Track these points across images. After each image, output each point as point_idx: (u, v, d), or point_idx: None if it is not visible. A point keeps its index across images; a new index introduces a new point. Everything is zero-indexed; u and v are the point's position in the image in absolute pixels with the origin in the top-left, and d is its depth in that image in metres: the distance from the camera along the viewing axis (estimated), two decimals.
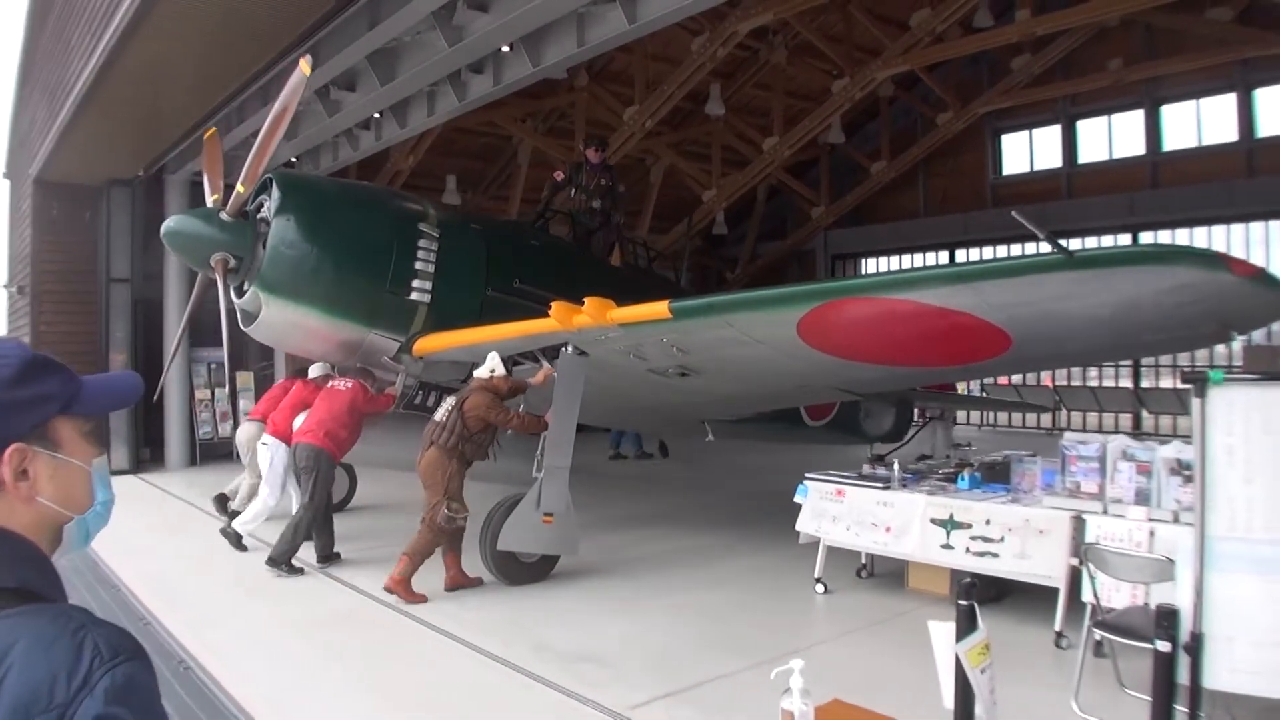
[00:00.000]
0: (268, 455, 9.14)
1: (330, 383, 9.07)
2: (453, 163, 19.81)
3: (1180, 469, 5.48)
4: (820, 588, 7.41)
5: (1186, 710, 3.47)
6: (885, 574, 7.78)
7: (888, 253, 25.03)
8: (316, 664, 6.00)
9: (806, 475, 7.73)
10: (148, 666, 1.32)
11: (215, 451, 16.22)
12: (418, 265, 8.59)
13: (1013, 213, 5.36)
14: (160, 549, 9.59)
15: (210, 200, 8.40)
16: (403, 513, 10.46)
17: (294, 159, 15.20)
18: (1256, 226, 18.68)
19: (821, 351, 6.89)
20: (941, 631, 3.42)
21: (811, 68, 19.42)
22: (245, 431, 10.64)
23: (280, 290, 8.11)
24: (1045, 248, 5.14)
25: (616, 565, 8.55)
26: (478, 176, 21.40)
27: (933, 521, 6.67)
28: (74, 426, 1.48)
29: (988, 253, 22.79)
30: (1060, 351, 8.31)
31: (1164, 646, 3.22)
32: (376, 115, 12.66)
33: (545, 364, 8.01)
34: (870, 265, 25.63)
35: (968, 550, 6.43)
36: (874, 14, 18.04)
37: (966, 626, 3.37)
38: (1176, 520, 5.37)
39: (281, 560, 8.19)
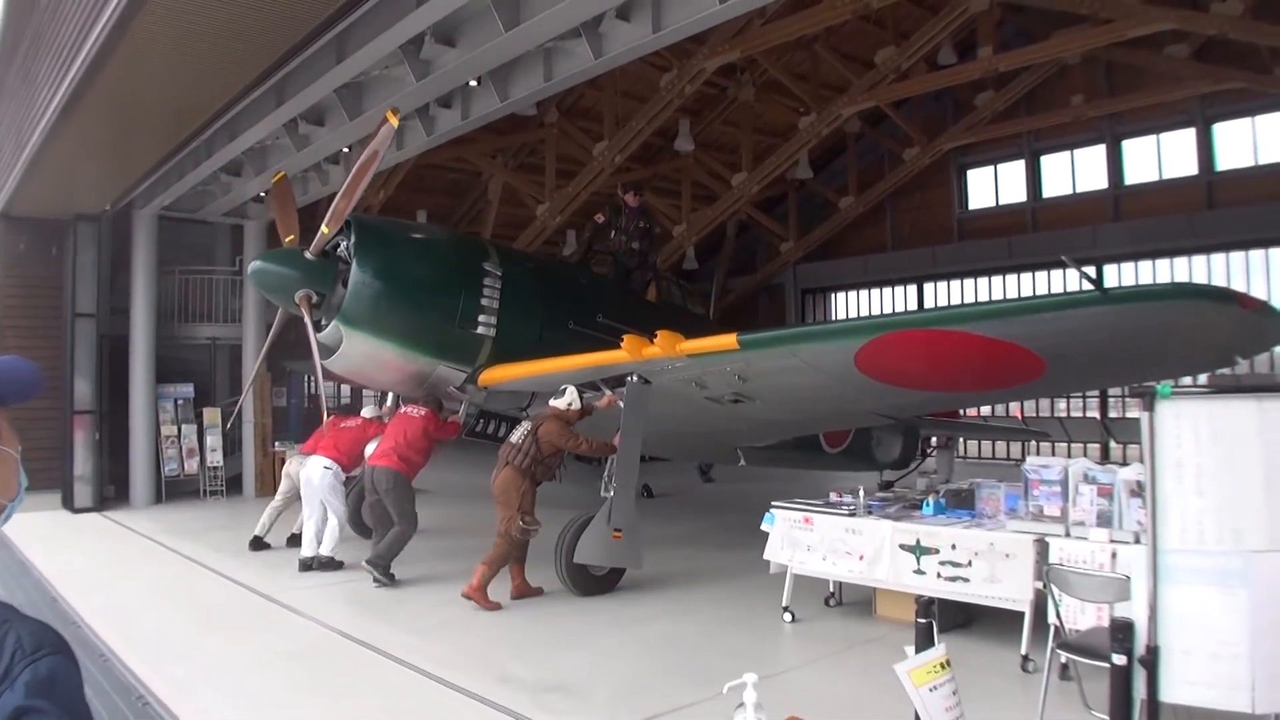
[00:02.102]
0: (329, 478, 9.74)
1: (402, 409, 9.55)
2: (423, 198, 19.87)
3: (1140, 490, 5.51)
4: (788, 616, 7.39)
5: None
6: (854, 602, 7.77)
7: (857, 287, 25.24)
8: (279, 698, 5.91)
9: (773, 504, 7.73)
10: (72, 662, 1.31)
11: (181, 489, 16.04)
12: (483, 302, 9.19)
13: (1062, 257, 5.95)
14: (122, 586, 9.48)
15: (286, 241, 9.05)
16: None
17: (263, 194, 15.19)
18: (1218, 258, 18.97)
19: (874, 379, 7.43)
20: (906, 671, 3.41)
21: (779, 104, 19.66)
22: (294, 465, 11.02)
23: (360, 325, 8.67)
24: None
25: (581, 596, 8.51)
26: (448, 212, 21.45)
27: (901, 547, 6.68)
28: (4, 417, 1.49)
29: (955, 286, 23.06)
30: (1087, 375, 8.99)
31: (1120, 660, 3.24)
32: (345, 149, 12.67)
33: (608, 391, 8.57)
34: (840, 299, 25.84)
35: (939, 575, 6.44)
36: (840, 52, 18.31)
37: (924, 644, 3.37)
38: (1138, 541, 5.39)
39: (379, 565, 8.79)
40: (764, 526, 7.66)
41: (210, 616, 8.07)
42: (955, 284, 23.15)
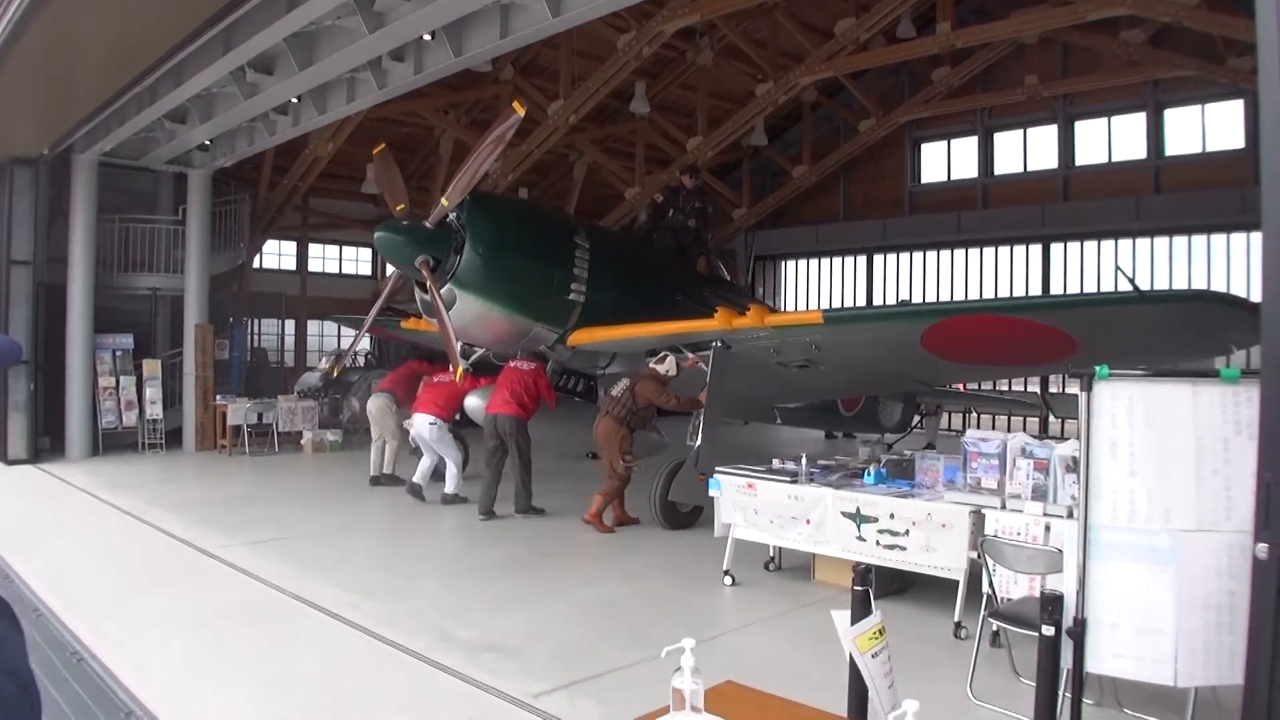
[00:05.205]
0: (435, 432, 11.13)
1: (510, 364, 10.80)
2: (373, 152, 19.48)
3: (1075, 466, 5.62)
4: (728, 580, 7.47)
5: (1072, 695, 3.57)
6: (793, 567, 7.87)
7: (808, 255, 25.34)
8: (215, 655, 5.85)
9: (717, 469, 7.78)
10: (14, 625, 1.27)
11: (119, 441, 15.77)
12: (575, 271, 10.09)
13: (1116, 266, 7.24)
14: (57, 540, 9.33)
15: (396, 210, 9.83)
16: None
17: (208, 142, 14.86)
18: (1161, 241, 19.32)
19: (933, 353, 8.57)
20: (843, 618, 3.47)
21: (736, 70, 19.55)
22: (375, 403, 12.70)
23: (473, 288, 9.46)
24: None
25: (525, 559, 8.53)
26: (399, 167, 21.10)
27: (842, 514, 6.76)
28: None
29: (904, 259, 23.26)
30: (1108, 356, 10.06)
31: (1048, 631, 3.31)
32: (294, 100, 12.42)
33: (690, 355, 9.80)
34: (790, 267, 25.93)
35: (878, 543, 6.53)
36: (799, 20, 18.22)
37: (860, 611, 3.41)
38: (1071, 515, 5.47)
39: (525, 508, 10.35)
40: (711, 492, 7.72)
41: (147, 572, 7.99)
42: (904, 256, 23.33)
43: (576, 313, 10.18)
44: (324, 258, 23.76)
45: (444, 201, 9.12)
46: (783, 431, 16.91)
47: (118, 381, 15.76)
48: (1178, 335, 7.76)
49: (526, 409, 10.41)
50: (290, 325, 23.14)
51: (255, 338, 22.37)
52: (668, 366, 9.70)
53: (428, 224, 9.29)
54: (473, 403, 11.29)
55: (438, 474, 11.47)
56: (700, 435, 9.38)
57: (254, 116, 13.22)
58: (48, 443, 15.21)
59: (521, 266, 9.81)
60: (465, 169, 9.07)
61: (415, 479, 11.32)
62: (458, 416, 11.64)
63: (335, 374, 15.16)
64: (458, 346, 9.33)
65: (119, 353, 15.94)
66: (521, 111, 8.81)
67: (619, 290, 10.51)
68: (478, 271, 9.43)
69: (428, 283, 9.22)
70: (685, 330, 9.63)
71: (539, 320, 10.07)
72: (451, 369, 9.47)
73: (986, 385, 19.61)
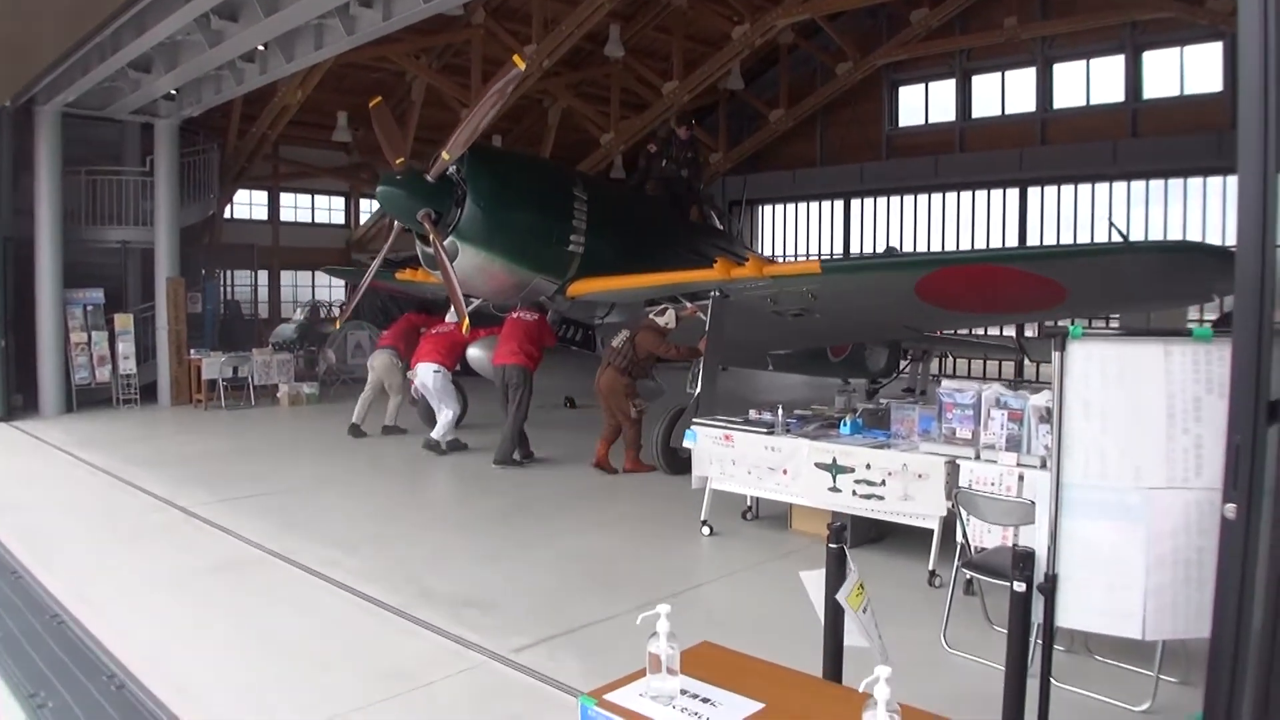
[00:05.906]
0: (440, 380, 11.31)
1: (513, 314, 10.97)
2: (343, 99, 19.19)
3: (1049, 417, 5.65)
4: (706, 530, 7.53)
5: (1043, 644, 3.63)
6: (770, 516, 7.93)
7: (784, 200, 25.24)
8: (197, 614, 5.85)
9: (694, 420, 7.81)
10: None
11: (93, 397, 15.65)
12: (574, 223, 10.33)
13: (1109, 220, 7.60)
14: (34, 499, 9.29)
15: (396, 163, 9.70)
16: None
17: (173, 91, 14.58)
18: (1138, 185, 19.36)
19: (928, 302, 8.86)
20: (813, 579, 3.50)
21: (712, 12, 19.28)
22: (380, 359, 12.74)
23: (475, 241, 9.68)
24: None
25: (505, 511, 8.55)
26: (369, 114, 20.78)
27: (817, 465, 6.79)
28: None
29: (881, 203, 23.21)
30: (1096, 304, 10.70)
31: (1020, 586, 3.35)
32: (261, 48, 12.18)
33: (688, 304, 10.15)
34: (767, 212, 25.83)
35: (854, 493, 6.57)
36: None
37: (837, 569, 3.44)
38: (1044, 466, 5.53)
39: (506, 459, 10.40)
40: (686, 443, 7.76)
41: (126, 531, 7.95)
42: (882, 200, 23.28)
43: (576, 263, 10.41)
44: (296, 207, 23.42)
45: (444, 155, 9.16)
46: (777, 378, 17.34)
47: (89, 337, 15.61)
48: (1162, 284, 8.00)
49: (533, 358, 10.64)
50: (263, 276, 22.89)
51: (228, 290, 22.14)
52: (667, 319, 9.97)
53: (429, 177, 9.34)
54: (475, 353, 11.55)
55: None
56: (700, 383, 9.66)
57: (220, 65, 12.97)
58: (20, 400, 15.05)
59: (522, 219, 9.99)
60: (466, 123, 9.09)
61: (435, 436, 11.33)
62: (458, 366, 11.75)
63: (338, 325, 15.52)
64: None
65: (90, 307, 15.77)
66: (522, 65, 8.77)
67: (617, 241, 10.73)
68: (479, 224, 9.60)
69: (430, 236, 9.32)
70: (684, 280, 9.92)
71: (539, 271, 10.29)
72: (459, 321, 9.56)
73: (963, 330, 19.75)
